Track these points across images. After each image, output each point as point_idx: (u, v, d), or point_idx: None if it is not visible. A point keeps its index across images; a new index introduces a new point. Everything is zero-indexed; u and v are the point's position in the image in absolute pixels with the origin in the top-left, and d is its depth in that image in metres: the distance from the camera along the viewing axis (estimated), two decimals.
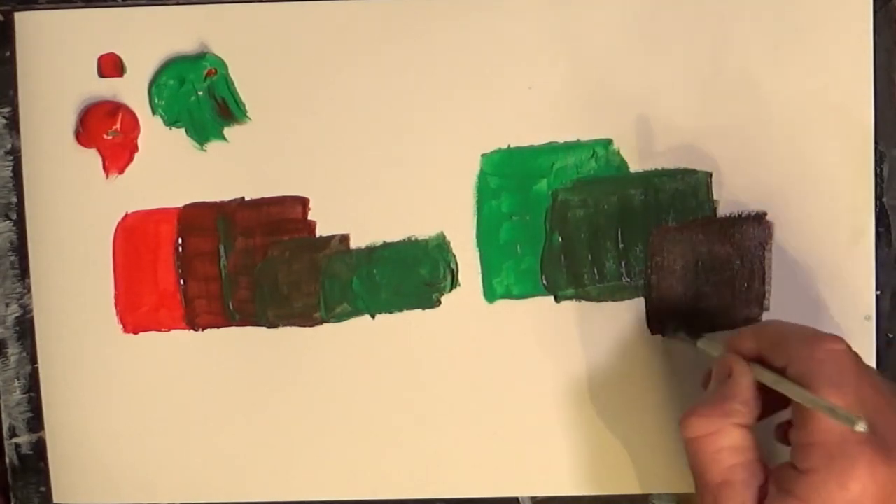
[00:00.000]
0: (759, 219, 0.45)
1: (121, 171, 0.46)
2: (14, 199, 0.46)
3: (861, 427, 0.33)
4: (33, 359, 0.46)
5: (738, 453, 0.38)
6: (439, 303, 0.46)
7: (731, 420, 0.38)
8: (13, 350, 0.47)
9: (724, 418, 0.38)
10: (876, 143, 0.44)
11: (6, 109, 0.46)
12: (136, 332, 0.46)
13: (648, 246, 0.45)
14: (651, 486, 0.46)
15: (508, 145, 0.45)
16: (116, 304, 0.46)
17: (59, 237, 0.46)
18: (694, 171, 0.45)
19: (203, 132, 0.45)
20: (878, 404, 0.36)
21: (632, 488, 0.46)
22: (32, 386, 0.47)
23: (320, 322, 0.46)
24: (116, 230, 0.46)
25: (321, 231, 0.46)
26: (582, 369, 0.45)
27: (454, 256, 0.45)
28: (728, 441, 0.38)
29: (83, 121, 0.45)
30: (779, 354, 0.38)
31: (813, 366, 0.36)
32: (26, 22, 0.45)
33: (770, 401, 0.38)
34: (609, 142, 0.45)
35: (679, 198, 0.45)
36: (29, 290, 0.46)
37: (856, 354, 0.38)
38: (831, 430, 0.35)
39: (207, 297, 0.46)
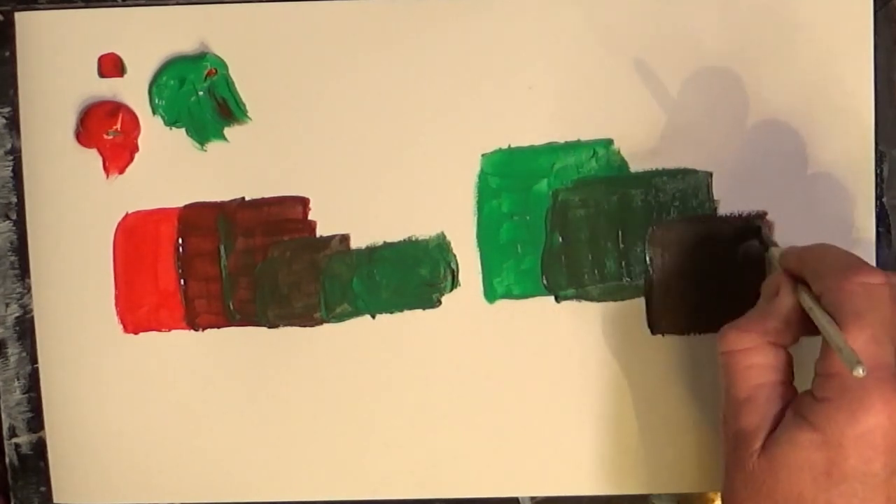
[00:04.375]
0: (760, 219, 0.45)
1: (121, 171, 0.46)
2: (14, 199, 0.46)
3: (859, 372, 0.33)
4: (33, 359, 0.46)
5: (769, 372, 0.37)
6: (440, 303, 0.46)
7: (768, 338, 0.38)
8: (13, 350, 0.46)
9: (761, 336, 0.38)
10: (876, 143, 0.44)
11: (6, 109, 0.46)
12: (136, 332, 0.46)
13: (648, 246, 0.45)
14: (651, 486, 0.46)
15: (509, 145, 0.45)
16: (116, 304, 0.46)
17: (59, 237, 0.46)
18: (694, 171, 0.45)
19: (203, 132, 0.45)
20: None
21: (632, 488, 0.46)
22: (32, 386, 0.47)
23: (320, 322, 0.46)
24: (117, 230, 0.46)
25: (321, 231, 0.46)
26: (582, 369, 0.45)
27: (454, 256, 0.45)
28: (760, 359, 0.38)
29: (83, 121, 0.45)
30: (816, 281, 0.37)
31: (842, 297, 0.36)
32: (26, 22, 0.45)
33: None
34: (609, 142, 0.45)
35: (679, 198, 0.45)
36: (29, 290, 0.46)
37: None
38: None
39: (208, 297, 0.46)
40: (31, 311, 0.46)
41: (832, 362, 0.35)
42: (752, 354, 0.38)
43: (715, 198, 0.45)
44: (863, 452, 0.34)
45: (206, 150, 0.46)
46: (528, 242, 0.45)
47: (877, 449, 0.34)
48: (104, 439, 0.47)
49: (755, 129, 0.45)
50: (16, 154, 0.46)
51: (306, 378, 0.46)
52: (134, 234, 0.46)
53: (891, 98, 0.44)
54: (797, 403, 0.37)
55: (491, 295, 0.45)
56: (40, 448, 0.47)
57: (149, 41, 0.45)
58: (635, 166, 0.45)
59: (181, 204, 0.46)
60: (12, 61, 0.45)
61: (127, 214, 0.46)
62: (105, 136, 0.45)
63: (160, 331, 0.46)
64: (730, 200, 0.45)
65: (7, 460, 0.47)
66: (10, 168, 0.46)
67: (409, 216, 0.45)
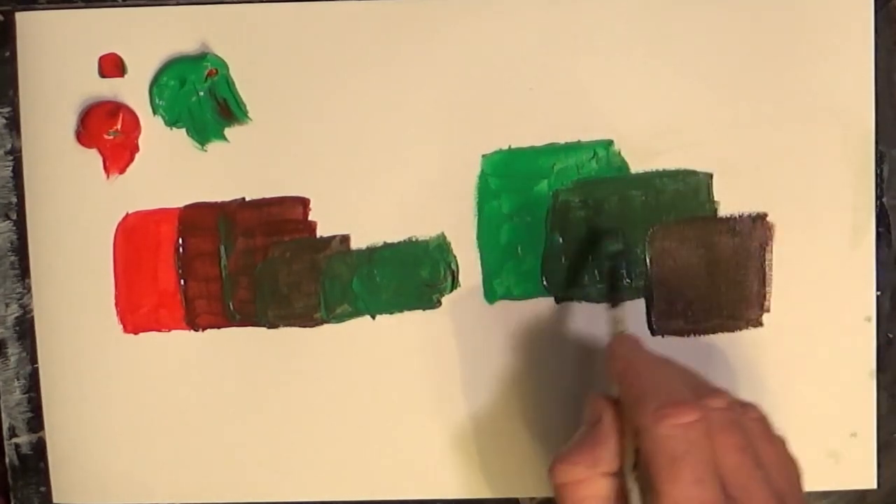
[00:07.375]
0: (760, 219, 0.45)
1: (121, 172, 0.46)
2: (14, 199, 0.46)
3: None
4: (33, 359, 0.46)
5: (602, 502, 0.37)
6: (440, 303, 0.46)
7: (598, 469, 0.37)
8: (13, 350, 0.47)
9: (591, 468, 0.37)
10: (876, 143, 0.45)
11: (6, 109, 0.46)
12: (136, 333, 0.46)
13: (648, 246, 0.45)
14: None
15: (509, 146, 0.45)
16: (117, 304, 0.46)
17: (59, 237, 0.46)
18: (695, 172, 0.45)
19: (204, 132, 0.45)
20: (741, 469, 0.35)
21: None
22: (32, 386, 0.47)
23: (321, 322, 0.46)
24: (117, 230, 0.46)
25: (322, 231, 0.46)
26: (582, 370, 0.45)
27: (455, 257, 0.45)
28: (593, 490, 0.37)
29: (84, 121, 0.45)
30: (631, 416, 0.37)
31: (657, 445, 0.35)
32: (27, 22, 0.45)
33: None
34: (610, 142, 0.45)
35: (680, 199, 0.45)
36: (29, 290, 0.46)
37: (721, 413, 0.36)
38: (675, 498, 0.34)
39: (208, 297, 0.46)
40: (31, 311, 0.46)
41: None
42: (584, 486, 0.37)
43: (715, 199, 0.45)
44: None
45: (206, 151, 0.46)
46: (528, 243, 0.45)
47: None
48: (104, 439, 0.47)
49: (755, 129, 0.45)
50: (16, 154, 0.46)
51: (306, 378, 0.46)
52: (134, 234, 0.46)
53: (891, 98, 0.44)
54: None
55: (491, 296, 0.45)
56: (40, 448, 0.47)
57: (149, 41, 0.45)
58: (635, 167, 0.45)
59: (181, 204, 0.46)
60: (12, 61, 0.45)
61: (127, 214, 0.46)
62: (105, 136, 0.45)
63: (160, 331, 0.46)
64: (730, 201, 0.45)
65: (7, 460, 0.47)
66: (10, 168, 0.46)
67: (409, 216, 0.45)
